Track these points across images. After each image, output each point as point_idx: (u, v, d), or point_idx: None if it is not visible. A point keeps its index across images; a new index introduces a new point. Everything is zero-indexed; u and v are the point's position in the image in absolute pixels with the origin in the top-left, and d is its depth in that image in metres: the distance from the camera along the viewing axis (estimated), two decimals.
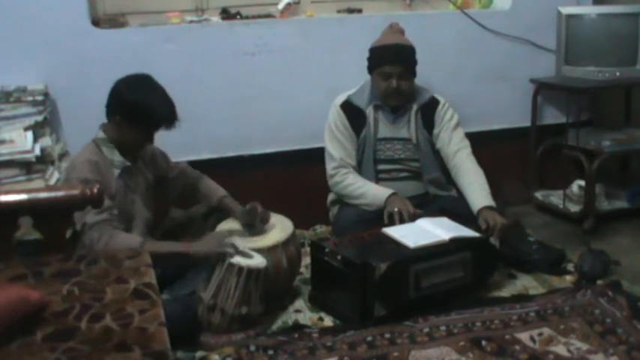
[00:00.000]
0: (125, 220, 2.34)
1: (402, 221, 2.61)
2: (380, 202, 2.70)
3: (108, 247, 2.15)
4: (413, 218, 2.62)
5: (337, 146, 2.82)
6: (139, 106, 2.27)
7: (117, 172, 2.35)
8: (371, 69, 2.81)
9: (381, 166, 2.85)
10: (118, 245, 2.15)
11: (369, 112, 2.82)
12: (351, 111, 2.83)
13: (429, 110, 2.86)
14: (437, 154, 2.89)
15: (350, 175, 2.80)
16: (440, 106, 2.87)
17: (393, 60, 2.73)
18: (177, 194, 2.64)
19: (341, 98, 2.87)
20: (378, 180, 2.84)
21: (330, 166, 2.84)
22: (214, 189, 2.62)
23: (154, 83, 2.33)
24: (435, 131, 2.86)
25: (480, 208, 2.65)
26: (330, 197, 2.97)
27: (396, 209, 2.63)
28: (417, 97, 2.86)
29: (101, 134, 2.35)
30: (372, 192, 2.74)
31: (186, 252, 2.30)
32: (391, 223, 2.62)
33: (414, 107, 2.84)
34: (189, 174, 2.64)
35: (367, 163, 2.83)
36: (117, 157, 2.35)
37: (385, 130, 2.84)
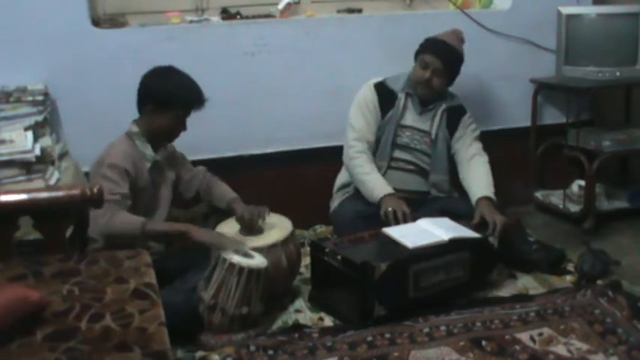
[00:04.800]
0: (147, 213, 2.38)
1: (396, 220, 2.62)
2: (375, 198, 2.72)
3: (109, 223, 2.20)
4: (406, 219, 2.62)
5: (360, 119, 2.86)
6: (169, 92, 2.37)
7: (148, 165, 2.41)
8: (416, 55, 2.85)
9: (396, 153, 2.87)
10: (120, 222, 2.21)
11: (401, 97, 2.86)
12: (384, 92, 2.88)
13: (455, 114, 2.91)
14: (450, 159, 2.91)
15: (363, 155, 2.82)
16: (467, 116, 2.94)
17: (436, 53, 2.78)
18: (190, 195, 2.68)
19: (376, 79, 2.92)
20: (388, 167, 2.86)
21: (350, 136, 2.87)
22: (226, 192, 2.65)
23: (178, 71, 2.44)
24: (457, 135, 2.90)
25: (479, 197, 2.67)
26: (337, 185, 2.98)
27: (390, 209, 2.64)
28: (448, 99, 2.91)
29: (135, 128, 2.41)
30: (372, 184, 2.76)
31: (186, 232, 2.30)
32: (387, 221, 2.62)
33: (443, 106, 2.89)
34: (205, 177, 2.67)
35: (384, 145, 2.86)
36: (149, 152, 2.41)
37: (410, 118, 2.88)
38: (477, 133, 2.94)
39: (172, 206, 2.59)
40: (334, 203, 2.96)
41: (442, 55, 2.78)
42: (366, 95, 2.88)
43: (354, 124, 2.87)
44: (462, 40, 2.85)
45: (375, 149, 2.88)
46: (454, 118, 2.91)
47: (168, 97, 2.37)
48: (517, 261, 2.78)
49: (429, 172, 2.89)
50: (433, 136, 2.87)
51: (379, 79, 2.91)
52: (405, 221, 2.62)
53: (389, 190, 2.73)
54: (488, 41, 3.39)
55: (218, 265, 2.27)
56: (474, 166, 2.85)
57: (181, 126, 2.45)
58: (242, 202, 2.59)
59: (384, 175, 2.85)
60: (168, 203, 2.53)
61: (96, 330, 1.31)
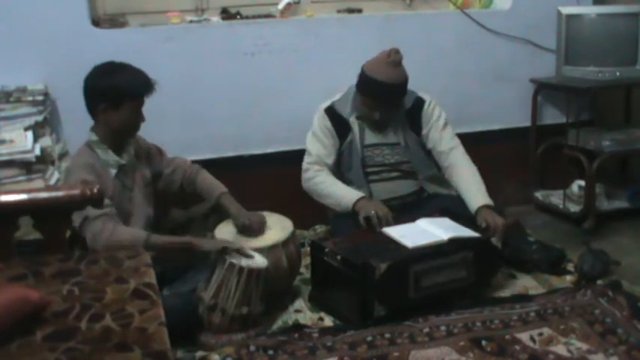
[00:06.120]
0: (124, 217, 2.35)
1: (380, 224, 2.57)
2: (347, 204, 2.66)
3: (111, 240, 2.15)
4: (389, 221, 2.58)
5: (317, 145, 2.80)
6: (118, 86, 2.29)
7: (113, 172, 2.36)
8: (357, 89, 2.76)
9: (371, 169, 2.82)
10: (121, 238, 2.17)
11: (353, 121, 2.80)
12: (335, 116, 2.81)
13: (415, 112, 2.83)
14: (429, 153, 2.86)
15: (322, 173, 2.77)
16: (426, 106, 2.83)
17: (380, 98, 2.68)
18: (175, 189, 2.64)
19: (326, 104, 2.85)
20: (368, 182, 2.81)
21: (305, 161, 2.83)
22: (213, 185, 2.61)
23: (119, 63, 2.35)
24: (424, 132, 2.83)
25: (478, 207, 2.65)
26: None
27: (373, 212, 2.59)
28: (405, 102, 2.82)
29: (93, 137, 2.36)
30: (340, 193, 2.71)
31: (190, 243, 2.30)
32: (369, 226, 2.58)
33: (401, 113, 2.82)
34: (187, 168, 2.64)
35: (356, 169, 2.80)
36: (111, 157, 2.36)
37: (372, 136, 2.81)
38: (443, 118, 2.83)
39: (159, 203, 2.57)
40: (329, 216, 2.93)
41: (387, 99, 2.70)
42: (320, 122, 2.81)
43: (310, 150, 2.81)
44: (398, 63, 2.66)
45: (348, 175, 2.81)
46: (415, 116, 2.83)
47: (118, 92, 2.29)
48: (517, 261, 2.78)
49: (417, 172, 2.85)
50: (403, 145, 2.81)
51: (328, 102, 2.84)
52: (388, 223, 2.57)
53: (359, 194, 2.68)
54: (489, 41, 3.39)
55: (218, 265, 2.27)
56: (455, 165, 2.78)
57: (139, 117, 2.37)
58: (232, 198, 2.57)
59: (368, 191, 2.78)
60: (147, 203, 2.48)
61: (96, 330, 1.31)
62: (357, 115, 2.79)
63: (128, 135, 2.41)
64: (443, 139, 2.82)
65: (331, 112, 2.82)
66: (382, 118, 2.74)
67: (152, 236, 2.24)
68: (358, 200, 2.65)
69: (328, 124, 2.80)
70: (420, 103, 2.84)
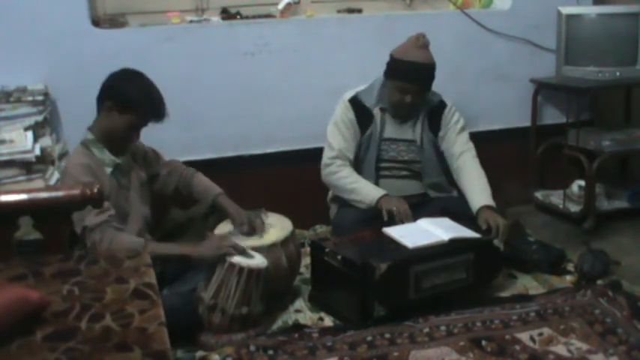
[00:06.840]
0: (121, 217, 2.35)
1: (402, 220, 2.61)
2: (371, 201, 2.69)
3: (110, 250, 2.15)
4: (408, 217, 2.62)
5: (339, 138, 2.82)
6: (131, 94, 2.30)
7: (109, 170, 2.36)
8: (387, 76, 2.79)
9: (383, 165, 2.85)
10: (120, 247, 2.16)
11: (376, 112, 2.82)
12: (359, 107, 2.83)
13: (436, 113, 2.87)
14: (441, 157, 2.89)
15: (346, 168, 2.80)
16: (447, 110, 2.88)
17: (413, 79, 2.71)
18: (170, 191, 2.64)
19: (350, 94, 2.87)
20: (378, 177, 2.84)
21: (327, 155, 2.84)
22: (208, 186, 2.61)
23: (146, 78, 2.36)
24: (441, 134, 2.87)
25: (479, 206, 2.66)
26: (330, 194, 2.97)
27: (394, 208, 2.63)
28: (428, 101, 2.86)
29: (90, 136, 2.36)
30: (365, 190, 2.74)
31: (188, 255, 2.30)
32: (390, 220, 2.61)
33: (423, 111, 2.85)
34: (182, 171, 2.64)
35: (370, 162, 2.83)
36: (107, 156, 2.36)
37: (391, 130, 2.84)
38: (461, 123, 2.89)
39: (157, 204, 2.57)
40: (333, 209, 2.95)
41: (420, 79, 2.73)
42: (342, 113, 2.83)
43: (332, 144, 2.82)
44: (427, 46, 2.73)
45: (360, 168, 2.84)
46: (436, 118, 2.86)
47: (128, 99, 2.29)
48: (517, 261, 2.78)
49: (423, 175, 2.87)
50: (419, 143, 2.84)
51: (352, 93, 2.86)
52: (408, 219, 2.61)
53: (383, 191, 2.72)
54: (488, 41, 3.39)
55: (218, 265, 2.27)
56: (464, 167, 2.81)
57: (134, 134, 2.36)
58: (228, 198, 2.57)
59: (375, 185, 2.81)
60: (143, 203, 2.49)
61: (96, 330, 1.31)
62: (380, 106, 2.82)
63: (117, 144, 2.38)
64: (457, 142, 2.86)
65: (355, 102, 2.84)
66: (413, 102, 2.75)
67: (150, 245, 2.22)
68: (382, 196, 2.68)
69: (351, 115, 2.82)
70: (442, 105, 2.89)
